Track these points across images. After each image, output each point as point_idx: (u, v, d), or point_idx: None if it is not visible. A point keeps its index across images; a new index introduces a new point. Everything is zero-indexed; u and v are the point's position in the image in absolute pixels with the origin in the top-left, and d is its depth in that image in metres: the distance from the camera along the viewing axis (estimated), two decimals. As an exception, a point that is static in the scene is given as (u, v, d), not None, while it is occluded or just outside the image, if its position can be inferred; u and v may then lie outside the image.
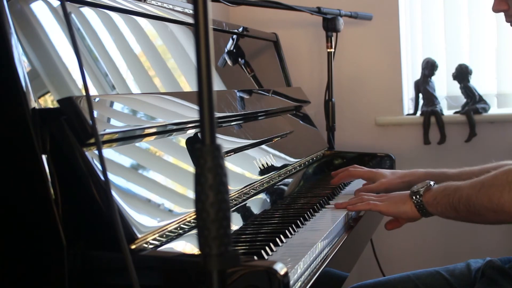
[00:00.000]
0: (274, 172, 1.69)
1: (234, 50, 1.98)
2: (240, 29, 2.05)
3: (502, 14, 1.57)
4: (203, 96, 0.66)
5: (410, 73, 2.84)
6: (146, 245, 1.02)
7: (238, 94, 1.75)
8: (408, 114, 2.79)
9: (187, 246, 1.12)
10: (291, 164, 1.84)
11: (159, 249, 1.05)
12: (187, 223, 1.16)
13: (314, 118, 2.36)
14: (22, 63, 1.02)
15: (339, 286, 1.38)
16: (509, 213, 1.31)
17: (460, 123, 2.67)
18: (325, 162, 2.26)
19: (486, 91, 2.69)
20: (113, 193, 1.02)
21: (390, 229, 1.60)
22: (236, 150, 1.56)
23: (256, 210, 1.49)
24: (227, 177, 0.67)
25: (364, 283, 1.70)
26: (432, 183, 1.48)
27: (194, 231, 1.14)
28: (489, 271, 1.54)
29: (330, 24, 2.41)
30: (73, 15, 1.25)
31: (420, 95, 2.74)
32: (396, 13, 2.73)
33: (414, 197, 1.47)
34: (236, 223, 1.36)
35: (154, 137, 1.25)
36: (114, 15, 1.38)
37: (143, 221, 1.04)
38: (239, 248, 1.20)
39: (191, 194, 1.21)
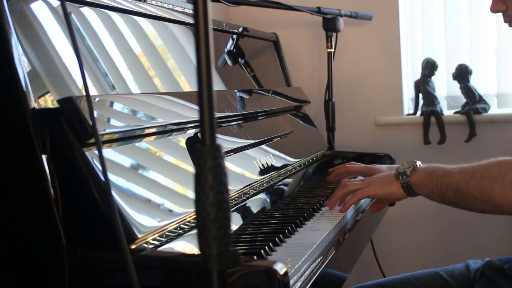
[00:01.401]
0: (274, 172, 1.69)
1: (234, 50, 1.98)
2: (240, 29, 2.05)
3: (501, 14, 1.57)
4: (203, 96, 0.66)
5: (410, 73, 2.84)
6: (146, 245, 1.02)
7: (238, 94, 1.75)
8: (408, 114, 2.79)
9: (187, 246, 1.12)
10: (291, 164, 1.84)
11: (159, 249, 1.05)
12: (187, 223, 1.16)
13: (314, 118, 2.36)
14: (22, 63, 1.02)
15: (339, 286, 1.38)
16: (498, 205, 1.31)
17: (460, 123, 2.67)
18: (325, 162, 2.26)
19: (486, 91, 2.70)
20: (113, 193, 1.02)
21: (375, 211, 1.59)
22: (236, 150, 1.56)
23: (256, 210, 1.49)
24: (227, 177, 0.67)
25: (363, 284, 1.69)
26: (418, 163, 1.47)
27: (194, 231, 1.14)
28: (488, 271, 1.54)
29: (330, 24, 2.41)
30: (73, 15, 1.25)
31: (420, 95, 2.74)
32: (396, 13, 2.73)
33: (400, 178, 1.46)
34: (236, 223, 1.36)
35: (154, 137, 1.25)
36: (114, 15, 1.38)
37: (143, 221, 1.04)
38: (239, 248, 1.20)
39: (191, 194, 1.21)
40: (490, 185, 1.30)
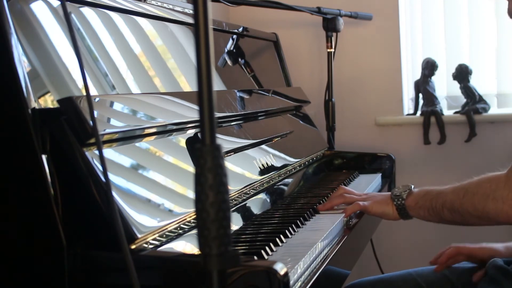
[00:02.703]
0: (274, 172, 1.69)
1: (234, 50, 1.98)
2: (240, 29, 2.05)
3: (502, 13, 1.56)
4: (203, 96, 0.66)
5: (410, 73, 2.84)
6: (146, 245, 1.02)
7: (238, 94, 1.75)
8: (408, 114, 2.79)
9: (187, 246, 1.12)
10: (291, 164, 1.84)
11: (159, 249, 1.05)
12: (187, 223, 1.16)
13: (314, 118, 2.36)
14: (22, 63, 1.02)
15: (339, 286, 1.38)
16: (493, 219, 1.38)
17: (460, 123, 2.67)
18: (325, 162, 2.26)
19: (486, 91, 2.69)
20: (113, 193, 1.01)
21: None
22: (236, 150, 1.56)
23: (256, 210, 1.49)
24: (227, 177, 0.67)
25: (364, 279, 1.70)
26: (412, 186, 1.54)
27: (194, 231, 1.14)
28: (492, 270, 1.54)
29: (330, 24, 2.41)
30: (73, 15, 1.25)
31: (420, 95, 2.74)
32: (396, 13, 2.73)
33: (396, 200, 1.53)
34: (236, 223, 1.36)
35: (154, 137, 1.25)
36: (114, 15, 1.38)
37: (143, 221, 1.04)
38: (239, 248, 1.20)
39: (191, 194, 1.21)
40: (483, 201, 1.37)
